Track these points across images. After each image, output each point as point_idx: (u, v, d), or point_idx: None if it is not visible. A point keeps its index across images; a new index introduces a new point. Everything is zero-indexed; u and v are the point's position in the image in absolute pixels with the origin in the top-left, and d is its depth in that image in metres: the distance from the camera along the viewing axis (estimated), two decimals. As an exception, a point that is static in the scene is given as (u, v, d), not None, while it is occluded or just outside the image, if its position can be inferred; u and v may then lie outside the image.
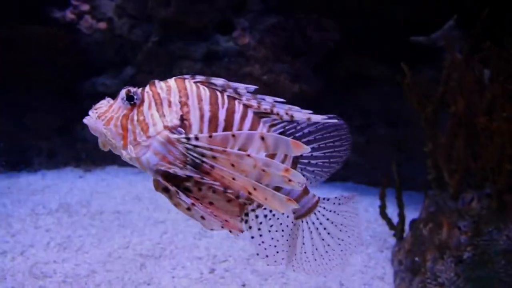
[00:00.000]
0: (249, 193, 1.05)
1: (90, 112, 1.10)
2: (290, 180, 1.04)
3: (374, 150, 3.74)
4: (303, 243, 1.28)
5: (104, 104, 1.11)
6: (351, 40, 3.65)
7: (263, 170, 1.04)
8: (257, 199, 1.06)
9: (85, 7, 4.48)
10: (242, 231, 1.11)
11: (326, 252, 1.29)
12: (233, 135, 1.05)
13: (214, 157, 1.04)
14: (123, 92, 1.09)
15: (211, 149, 1.04)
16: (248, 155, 1.03)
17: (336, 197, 1.30)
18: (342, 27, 3.67)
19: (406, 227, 2.26)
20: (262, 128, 1.15)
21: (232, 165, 1.04)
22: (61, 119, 4.15)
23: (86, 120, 1.10)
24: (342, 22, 3.65)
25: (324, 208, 1.29)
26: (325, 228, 1.28)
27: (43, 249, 2.62)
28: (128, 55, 4.22)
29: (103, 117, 1.08)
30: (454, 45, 2.15)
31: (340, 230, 1.30)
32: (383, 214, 2.31)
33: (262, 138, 1.04)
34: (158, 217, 3.01)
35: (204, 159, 1.04)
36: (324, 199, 1.29)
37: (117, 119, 1.08)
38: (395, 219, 2.46)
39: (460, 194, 2.00)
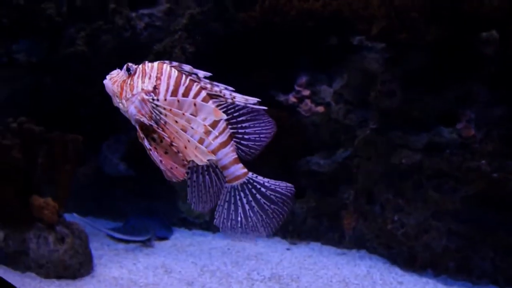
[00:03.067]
0: (185, 147, 1.52)
1: (107, 77, 1.60)
2: (210, 135, 1.52)
3: None
4: (229, 205, 1.63)
5: (115, 73, 1.60)
6: None
7: (192, 128, 1.52)
8: (190, 150, 1.51)
9: (306, 92, 4.92)
10: (183, 178, 1.55)
11: (245, 218, 1.62)
12: (178, 100, 1.54)
13: (165, 115, 1.52)
14: (125, 66, 1.59)
15: (164, 108, 1.52)
16: (183, 114, 1.51)
17: (273, 181, 1.65)
18: None
19: None
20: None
21: (176, 121, 1.52)
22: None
23: (105, 81, 1.60)
24: None
25: (254, 182, 1.63)
26: (249, 198, 1.62)
27: (259, 316, 2.79)
28: (341, 138, 4.44)
29: (113, 80, 1.58)
30: None
31: (264, 205, 1.63)
32: None
33: (195, 105, 1.52)
34: (368, 306, 2.94)
35: (161, 116, 1.52)
36: (257, 176, 1.64)
37: (119, 82, 1.58)
38: None
39: None
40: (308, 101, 4.90)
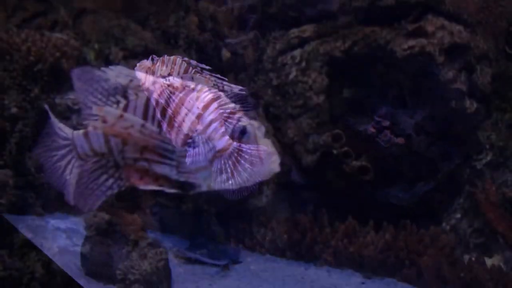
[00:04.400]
0: (183, 120, 1.87)
1: (137, 64, 1.93)
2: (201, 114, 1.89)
3: None
4: (219, 170, 1.91)
5: (143, 62, 1.94)
6: None
7: (191, 102, 1.88)
8: (186, 122, 1.87)
9: (386, 123, 4.84)
10: (181, 146, 1.91)
11: (232, 179, 1.89)
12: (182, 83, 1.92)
13: (171, 93, 1.88)
14: (150, 57, 1.93)
15: (173, 88, 1.89)
16: (184, 89, 1.88)
17: (254, 147, 1.88)
18: None
19: None
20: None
21: (181, 100, 1.90)
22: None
23: (136, 68, 1.94)
24: None
25: (237, 151, 1.89)
26: (234, 163, 1.90)
27: None
28: (422, 171, 4.30)
29: (141, 67, 1.94)
30: None
31: (245, 168, 1.89)
32: None
33: (192, 79, 1.89)
34: None
35: (170, 95, 1.88)
36: (240, 145, 1.89)
37: (145, 69, 1.93)
38: None
39: None
40: (387, 132, 4.81)
